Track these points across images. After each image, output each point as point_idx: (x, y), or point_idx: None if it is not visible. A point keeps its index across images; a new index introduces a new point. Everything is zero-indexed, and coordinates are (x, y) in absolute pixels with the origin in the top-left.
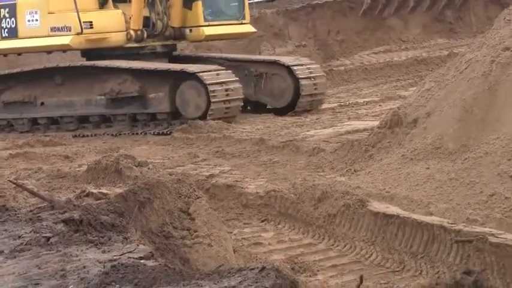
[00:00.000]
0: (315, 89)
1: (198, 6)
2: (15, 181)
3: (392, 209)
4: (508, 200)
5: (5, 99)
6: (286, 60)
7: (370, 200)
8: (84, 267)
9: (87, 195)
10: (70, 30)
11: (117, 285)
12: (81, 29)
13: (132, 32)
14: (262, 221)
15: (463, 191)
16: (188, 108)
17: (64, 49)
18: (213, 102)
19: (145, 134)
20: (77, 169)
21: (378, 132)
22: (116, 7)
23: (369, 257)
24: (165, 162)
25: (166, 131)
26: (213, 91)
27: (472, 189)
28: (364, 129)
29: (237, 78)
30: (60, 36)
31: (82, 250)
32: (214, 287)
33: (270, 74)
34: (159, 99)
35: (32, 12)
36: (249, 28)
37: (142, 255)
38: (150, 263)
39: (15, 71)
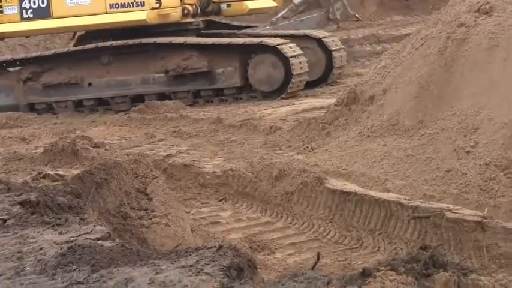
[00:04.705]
0: (341, 61)
1: None
2: None
3: (350, 186)
4: (465, 176)
5: (46, 82)
6: (316, 33)
7: (327, 178)
8: (41, 248)
9: (44, 177)
10: (143, 5)
11: (74, 266)
12: (160, 3)
13: (189, 7)
14: (220, 200)
15: (420, 167)
16: (263, 82)
17: (139, 25)
18: (294, 75)
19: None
20: (34, 151)
21: (335, 110)
22: None
23: (327, 234)
24: (122, 143)
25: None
26: (293, 64)
27: (428, 166)
28: (321, 107)
29: (302, 52)
30: (132, 12)
31: (39, 232)
32: (171, 267)
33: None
34: (228, 73)
35: None
36: (272, 3)
37: (99, 236)
38: (107, 243)
39: (61, 51)
